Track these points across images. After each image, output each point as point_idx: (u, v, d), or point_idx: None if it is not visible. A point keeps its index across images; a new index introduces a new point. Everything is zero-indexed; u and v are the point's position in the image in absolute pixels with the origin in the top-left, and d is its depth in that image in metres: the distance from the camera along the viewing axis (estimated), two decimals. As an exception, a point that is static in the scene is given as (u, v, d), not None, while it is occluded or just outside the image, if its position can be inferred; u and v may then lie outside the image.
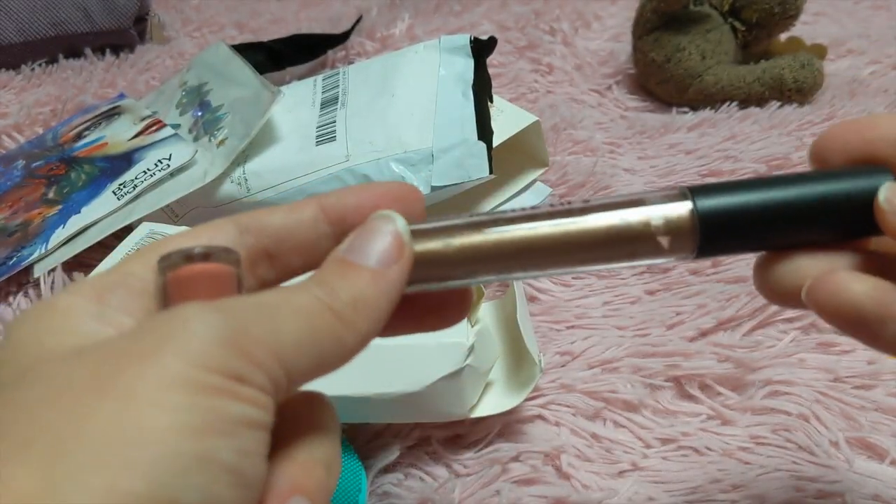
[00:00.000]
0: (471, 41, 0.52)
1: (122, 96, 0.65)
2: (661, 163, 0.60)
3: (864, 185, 0.21)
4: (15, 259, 0.50)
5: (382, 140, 0.47)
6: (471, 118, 0.47)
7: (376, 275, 0.19)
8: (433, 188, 0.46)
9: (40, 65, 0.77)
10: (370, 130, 0.48)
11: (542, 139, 0.54)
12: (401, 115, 0.48)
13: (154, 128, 0.55)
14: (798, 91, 0.64)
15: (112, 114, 0.60)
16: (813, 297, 0.21)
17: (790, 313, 0.44)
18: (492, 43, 0.53)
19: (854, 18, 0.82)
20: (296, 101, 0.53)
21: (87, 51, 0.79)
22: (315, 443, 0.19)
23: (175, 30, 0.86)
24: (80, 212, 0.51)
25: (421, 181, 0.46)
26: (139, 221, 0.48)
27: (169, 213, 0.52)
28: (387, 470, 0.37)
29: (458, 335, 0.35)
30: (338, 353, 0.18)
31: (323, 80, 0.55)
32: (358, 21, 0.78)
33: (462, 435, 0.39)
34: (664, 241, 0.21)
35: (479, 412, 0.37)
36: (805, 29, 0.76)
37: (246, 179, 0.49)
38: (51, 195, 0.54)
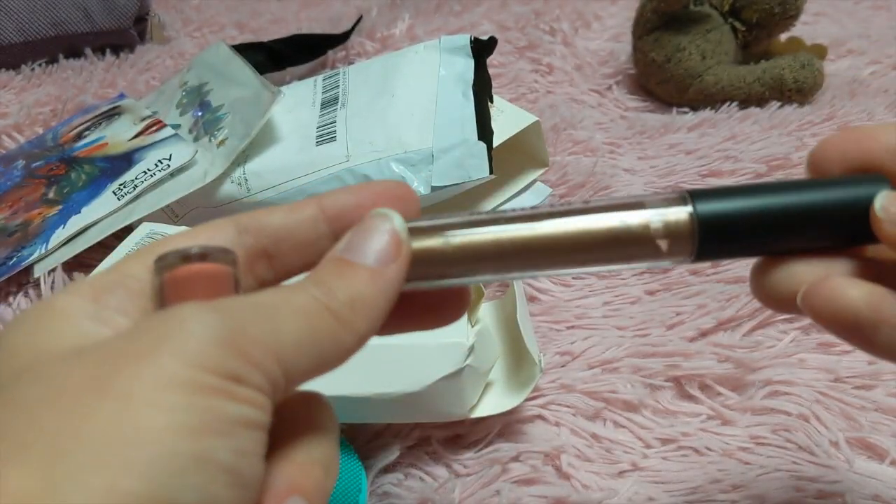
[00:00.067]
0: (471, 41, 0.52)
1: (122, 96, 0.65)
2: (661, 163, 0.60)
3: (861, 194, 0.21)
4: (15, 259, 0.50)
5: (383, 140, 0.47)
6: (471, 118, 0.47)
7: (374, 274, 0.19)
8: (433, 188, 0.46)
9: (40, 65, 0.77)
10: (370, 130, 0.48)
11: (542, 139, 0.54)
12: (401, 115, 0.48)
13: (154, 128, 0.55)
14: (798, 91, 0.64)
15: (112, 114, 0.60)
16: (809, 302, 0.21)
17: (790, 313, 0.44)
18: (492, 43, 0.53)
19: (854, 18, 0.82)
20: (296, 101, 0.53)
21: (88, 51, 0.79)
22: (313, 443, 0.19)
23: (175, 30, 0.86)
24: (80, 212, 0.51)
25: (421, 181, 0.46)
26: (139, 222, 0.48)
27: (169, 214, 0.52)
28: (387, 470, 0.37)
29: (458, 335, 0.35)
30: (336, 352, 0.18)
31: (323, 80, 0.55)
32: (358, 21, 0.78)
33: (462, 435, 0.39)
34: (663, 244, 0.21)
35: (479, 412, 0.37)
36: (805, 29, 0.76)
37: (246, 179, 0.49)
38: (51, 195, 0.54)
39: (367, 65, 0.55)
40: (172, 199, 0.49)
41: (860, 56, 0.74)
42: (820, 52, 0.71)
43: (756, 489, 0.36)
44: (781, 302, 0.22)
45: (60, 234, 0.50)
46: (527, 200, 0.54)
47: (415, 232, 0.21)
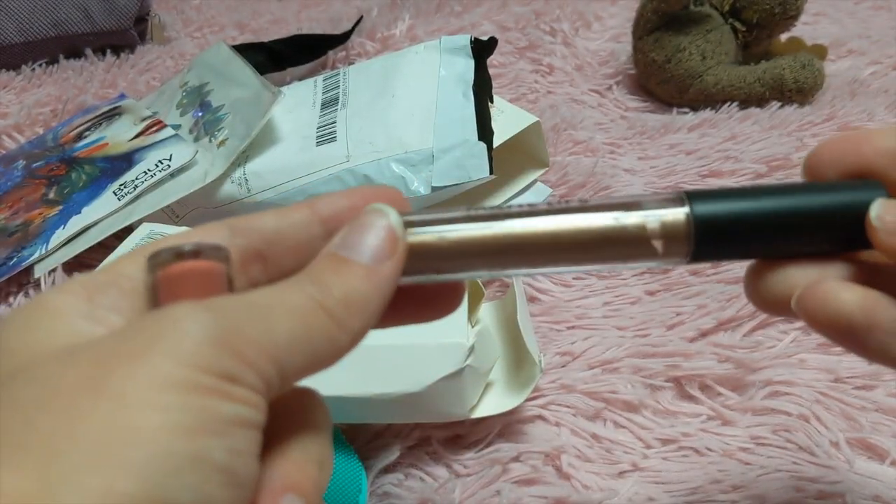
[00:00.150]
0: (471, 42, 0.52)
1: (122, 97, 0.65)
2: (661, 163, 0.60)
3: (857, 201, 0.21)
4: (15, 259, 0.50)
5: (383, 140, 0.47)
6: (471, 118, 0.47)
7: (369, 271, 0.19)
8: (433, 188, 0.46)
9: (41, 65, 0.77)
10: (371, 131, 0.48)
11: (543, 139, 0.54)
12: (401, 115, 0.48)
13: (154, 128, 0.55)
14: (798, 91, 0.64)
15: (112, 114, 0.60)
16: (802, 305, 0.21)
17: (790, 314, 0.44)
18: (492, 43, 0.53)
19: (854, 19, 0.82)
20: (296, 101, 0.53)
21: (88, 51, 0.79)
22: (307, 439, 0.19)
23: (175, 30, 0.86)
24: (80, 212, 0.51)
25: (421, 181, 0.46)
26: (140, 222, 0.48)
27: (169, 214, 0.52)
28: (387, 470, 0.37)
29: (458, 335, 0.35)
30: (330, 351, 0.18)
31: (323, 80, 0.55)
32: (358, 21, 0.78)
33: (462, 435, 0.39)
34: (659, 244, 0.21)
35: (479, 412, 0.37)
36: (805, 29, 0.76)
37: (246, 180, 0.49)
38: (51, 195, 0.54)
39: (368, 65, 0.55)
40: (173, 200, 0.49)
41: (860, 56, 0.74)
42: (820, 52, 0.71)
43: (756, 489, 0.36)
44: (776, 305, 0.22)
45: (61, 235, 0.50)
46: (527, 200, 0.54)
47: (411, 225, 0.21)
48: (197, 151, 0.51)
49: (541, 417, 0.40)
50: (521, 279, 0.44)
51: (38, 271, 0.50)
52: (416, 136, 0.47)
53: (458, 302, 0.23)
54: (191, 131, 0.54)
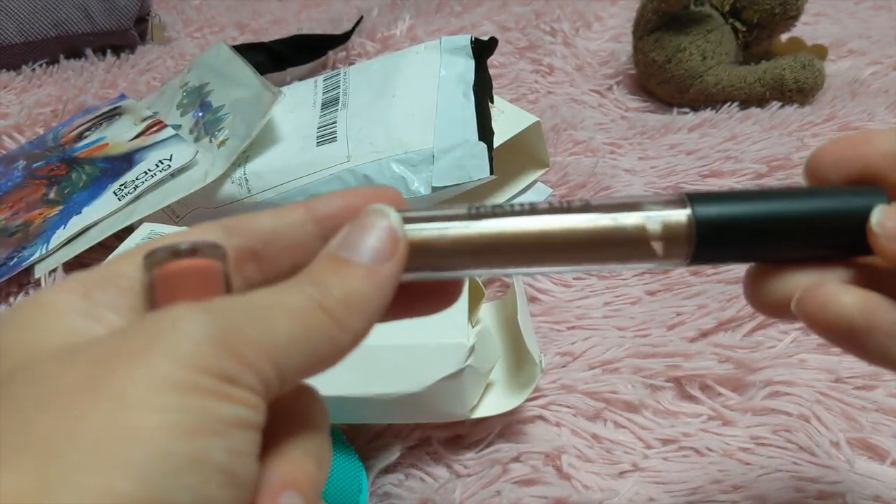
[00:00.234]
0: (471, 42, 0.52)
1: (122, 97, 0.65)
2: (661, 163, 0.60)
3: (858, 206, 0.21)
4: (16, 259, 0.50)
5: (383, 140, 0.47)
6: (471, 119, 0.47)
7: (370, 272, 0.19)
8: (434, 189, 0.46)
9: (41, 65, 0.77)
10: (371, 131, 0.48)
11: (543, 140, 0.54)
12: (402, 115, 0.48)
13: (155, 128, 0.55)
14: (799, 91, 0.64)
15: (113, 114, 0.60)
16: (802, 308, 0.21)
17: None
18: (492, 43, 0.53)
19: (855, 19, 0.82)
20: (296, 101, 0.53)
21: (88, 51, 0.79)
22: (305, 436, 0.19)
23: (176, 30, 0.86)
24: (80, 212, 0.51)
25: (422, 182, 0.46)
26: (140, 222, 0.48)
27: (170, 214, 0.52)
28: (387, 470, 0.37)
29: (458, 336, 0.35)
30: (330, 352, 0.18)
31: (324, 80, 0.55)
32: (359, 22, 0.78)
33: (463, 435, 0.39)
34: (659, 246, 0.21)
35: (479, 413, 0.37)
36: (806, 29, 0.76)
37: (247, 180, 0.49)
38: (52, 196, 0.54)
39: (368, 65, 0.55)
40: (173, 200, 0.49)
41: (861, 56, 0.74)
42: (820, 52, 0.71)
43: (757, 490, 0.36)
44: (776, 308, 0.22)
45: (61, 235, 0.50)
46: (527, 201, 0.54)
47: (411, 221, 0.21)
48: (197, 151, 0.51)
49: (541, 418, 0.40)
50: (521, 279, 0.44)
51: (39, 271, 0.50)
52: (416, 136, 0.47)
53: (458, 295, 0.23)
54: (191, 131, 0.54)
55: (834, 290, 0.21)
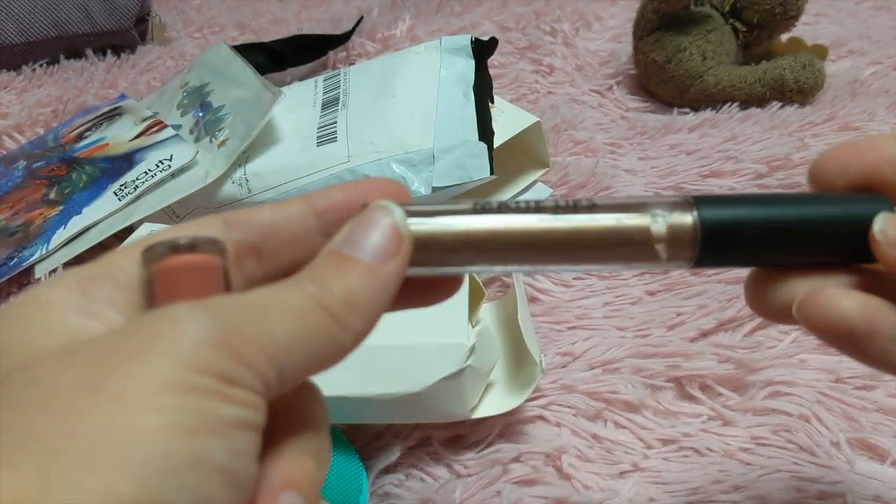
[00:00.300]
0: (472, 42, 0.52)
1: (123, 97, 0.65)
2: (661, 163, 0.60)
3: (861, 214, 0.21)
4: (16, 260, 0.50)
5: (383, 141, 0.47)
6: (472, 119, 0.48)
7: (372, 270, 0.19)
8: (434, 189, 0.46)
9: (41, 65, 0.77)
10: (371, 131, 0.48)
11: (543, 140, 0.54)
12: (402, 115, 0.48)
13: (155, 128, 0.55)
14: (799, 92, 0.64)
15: (113, 114, 0.60)
16: (804, 312, 0.21)
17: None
18: (493, 44, 0.53)
19: (855, 19, 0.82)
20: (297, 101, 0.53)
21: (89, 51, 0.79)
22: (304, 435, 0.19)
23: (176, 30, 0.86)
24: (81, 212, 0.51)
25: (422, 182, 0.46)
26: (140, 222, 0.48)
27: (170, 214, 0.52)
28: (388, 470, 0.37)
29: (458, 336, 0.35)
30: (331, 352, 0.18)
31: (324, 80, 0.55)
32: (359, 22, 0.78)
33: (463, 435, 0.39)
34: (664, 248, 0.21)
35: (479, 413, 0.37)
36: (806, 29, 0.76)
37: (247, 180, 0.49)
38: (52, 196, 0.54)
39: (368, 65, 0.55)
40: (173, 200, 0.49)
41: (861, 56, 0.74)
42: (821, 52, 0.71)
43: (757, 490, 0.36)
44: (778, 313, 0.22)
45: (61, 235, 0.50)
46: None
47: (415, 214, 0.20)
48: (197, 152, 0.51)
49: (541, 418, 0.40)
50: (521, 280, 0.44)
51: (39, 271, 0.50)
52: (416, 136, 0.47)
53: (457, 287, 0.23)
54: (191, 131, 0.54)
55: (835, 293, 0.21)
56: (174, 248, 0.18)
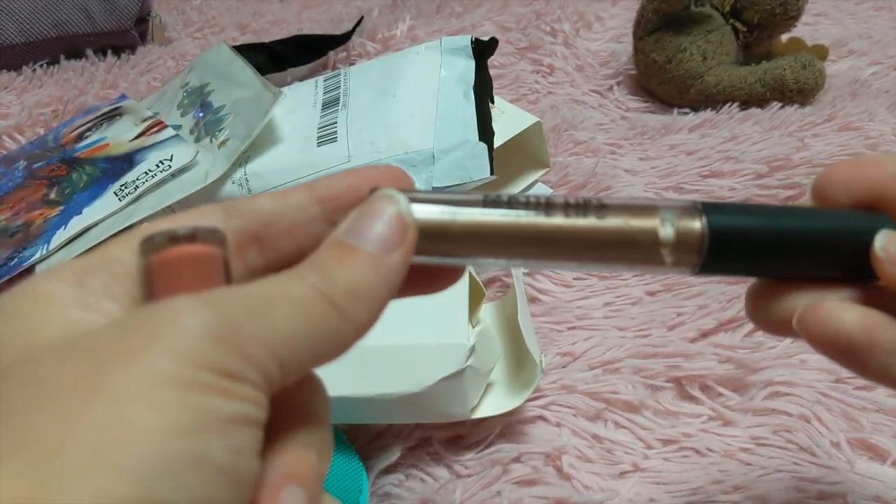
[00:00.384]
0: (472, 42, 0.52)
1: (123, 97, 0.65)
2: (662, 164, 0.60)
3: (863, 230, 0.21)
4: (16, 260, 0.50)
5: (384, 141, 0.47)
6: (472, 119, 0.47)
7: (376, 260, 0.18)
8: (434, 189, 0.46)
9: (42, 66, 0.77)
10: (371, 131, 0.48)
11: (543, 140, 0.54)
12: (402, 116, 0.48)
13: (155, 129, 0.55)
14: (799, 92, 0.64)
15: (113, 115, 0.60)
16: (804, 324, 0.21)
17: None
18: (493, 44, 0.53)
19: (855, 19, 0.82)
20: (297, 102, 0.53)
21: (89, 52, 0.79)
22: (306, 427, 0.19)
23: (176, 31, 0.86)
24: (81, 213, 0.51)
25: (422, 182, 0.46)
26: (141, 222, 0.48)
27: (170, 215, 0.52)
28: (388, 471, 0.37)
29: (459, 336, 0.35)
30: (334, 344, 0.18)
31: (324, 81, 0.55)
32: (359, 22, 0.78)
33: (463, 436, 0.39)
34: (669, 253, 0.21)
35: (480, 413, 0.37)
36: (806, 30, 0.76)
37: (247, 180, 0.49)
38: (52, 196, 0.54)
39: (368, 66, 0.55)
40: (174, 200, 0.49)
41: (861, 57, 0.74)
42: (821, 52, 0.71)
43: (757, 490, 0.36)
44: (778, 325, 0.22)
45: (62, 235, 0.50)
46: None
47: (420, 203, 0.20)
48: (198, 152, 0.51)
49: (542, 418, 0.40)
50: (521, 280, 0.44)
51: (39, 272, 0.50)
52: (416, 136, 0.47)
53: (458, 276, 0.22)
54: (192, 132, 0.54)
55: (835, 306, 0.21)
56: (173, 238, 0.18)
